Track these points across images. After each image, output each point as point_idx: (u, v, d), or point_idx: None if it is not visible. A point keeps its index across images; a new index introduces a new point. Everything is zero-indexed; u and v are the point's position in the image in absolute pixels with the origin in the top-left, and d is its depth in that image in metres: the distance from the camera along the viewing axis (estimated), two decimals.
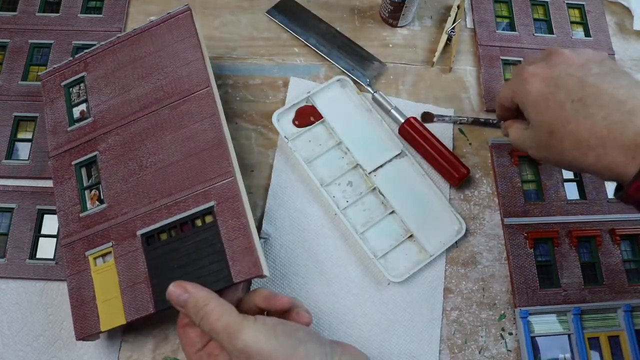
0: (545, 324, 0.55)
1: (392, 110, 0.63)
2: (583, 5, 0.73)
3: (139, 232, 0.50)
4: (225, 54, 0.67)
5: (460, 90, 0.67)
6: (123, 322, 0.48)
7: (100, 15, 0.68)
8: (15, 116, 0.62)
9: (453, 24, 0.69)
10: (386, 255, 0.57)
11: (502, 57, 0.69)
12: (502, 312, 0.57)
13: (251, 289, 0.54)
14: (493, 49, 0.69)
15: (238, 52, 0.68)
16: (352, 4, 0.72)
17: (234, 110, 0.64)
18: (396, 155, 0.61)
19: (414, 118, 0.62)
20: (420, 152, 0.62)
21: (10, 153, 0.61)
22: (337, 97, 0.64)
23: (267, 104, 0.65)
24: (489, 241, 0.59)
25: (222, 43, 0.68)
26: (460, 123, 0.65)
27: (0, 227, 0.57)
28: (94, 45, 0.60)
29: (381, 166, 0.61)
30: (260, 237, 0.56)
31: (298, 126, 0.63)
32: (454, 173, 0.59)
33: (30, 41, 0.66)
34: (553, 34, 0.71)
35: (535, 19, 0.72)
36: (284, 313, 0.45)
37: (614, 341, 0.55)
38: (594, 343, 0.55)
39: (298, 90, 0.65)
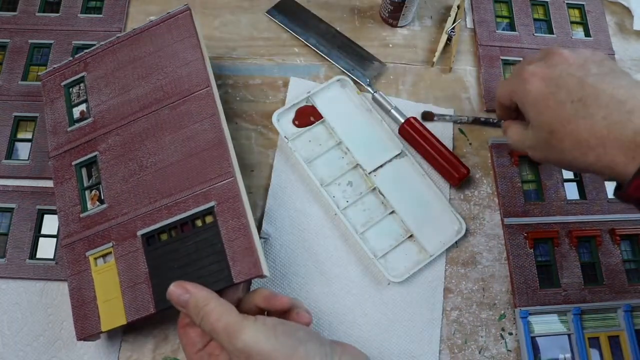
0: (545, 324, 0.55)
1: (392, 110, 0.63)
2: (583, 5, 0.73)
3: (139, 233, 0.50)
4: (225, 54, 0.67)
5: (460, 90, 0.67)
6: (124, 322, 0.48)
7: (100, 15, 0.68)
8: (15, 116, 0.62)
9: (453, 24, 0.69)
10: (386, 255, 0.57)
11: (502, 57, 0.69)
12: (502, 312, 0.57)
13: (251, 289, 0.54)
14: (493, 49, 0.69)
15: (238, 52, 0.68)
16: (352, 4, 0.72)
17: (234, 110, 0.64)
18: (396, 155, 0.61)
19: (414, 118, 0.62)
20: (420, 152, 0.62)
21: (10, 153, 0.61)
22: (337, 97, 0.64)
23: (267, 104, 0.65)
24: (489, 241, 0.59)
25: (222, 43, 0.68)
26: (461, 122, 0.65)
27: (0, 227, 0.57)
28: (94, 45, 0.60)
29: (381, 166, 0.61)
30: (260, 237, 0.56)
31: (298, 126, 0.63)
32: (454, 173, 0.59)
33: (30, 41, 0.66)
34: (553, 34, 0.71)
35: (535, 19, 0.72)
36: (284, 313, 0.45)
37: (614, 341, 0.55)
38: (594, 343, 0.55)
39: (298, 90, 0.65)
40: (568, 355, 0.54)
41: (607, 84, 0.42)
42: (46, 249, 0.57)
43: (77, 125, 0.56)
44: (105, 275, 0.50)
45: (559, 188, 0.61)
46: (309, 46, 0.68)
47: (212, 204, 0.49)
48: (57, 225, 0.57)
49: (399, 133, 0.62)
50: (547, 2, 0.73)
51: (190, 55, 0.55)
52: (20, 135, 0.62)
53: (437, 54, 0.68)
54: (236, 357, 0.40)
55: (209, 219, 0.49)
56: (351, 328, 0.55)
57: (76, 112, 0.57)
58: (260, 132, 0.63)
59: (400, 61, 0.69)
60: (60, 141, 0.56)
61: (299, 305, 0.45)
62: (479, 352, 0.55)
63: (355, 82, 0.65)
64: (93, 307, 0.50)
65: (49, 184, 0.57)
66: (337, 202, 0.59)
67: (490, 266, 0.58)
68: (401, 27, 0.71)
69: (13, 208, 0.58)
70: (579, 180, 0.62)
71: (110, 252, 0.51)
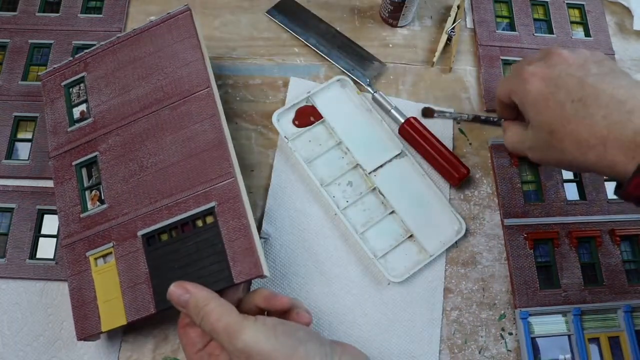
0: (546, 324, 0.55)
1: (392, 110, 0.63)
2: (583, 5, 0.73)
3: (139, 233, 0.50)
4: (225, 54, 0.67)
5: (460, 90, 0.67)
6: (124, 322, 0.48)
7: (100, 15, 0.68)
8: (15, 116, 0.62)
9: (453, 24, 0.69)
10: (386, 255, 0.57)
11: (502, 57, 0.69)
12: (502, 312, 0.57)
13: (251, 289, 0.54)
14: (493, 49, 0.69)
15: (238, 52, 0.68)
16: (352, 4, 0.72)
17: (234, 110, 0.64)
18: (396, 155, 0.61)
19: (414, 118, 0.62)
20: (420, 152, 0.62)
21: (10, 153, 0.61)
22: (337, 97, 0.64)
23: (267, 104, 0.65)
24: (489, 241, 0.59)
25: (222, 43, 0.68)
26: (461, 120, 0.64)
27: (0, 227, 0.57)
28: (94, 45, 0.60)
29: (381, 166, 0.61)
30: (260, 237, 0.56)
31: (298, 126, 0.63)
32: (454, 173, 0.59)
33: (30, 41, 0.66)
34: (553, 34, 0.71)
35: (535, 19, 0.72)
36: (284, 313, 0.45)
37: (614, 342, 0.55)
38: (594, 343, 0.55)
39: (298, 90, 0.65)
40: (568, 355, 0.54)
41: (607, 84, 0.43)
42: (46, 249, 0.57)
43: (77, 125, 0.56)
44: (106, 276, 0.50)
45: (559, 189, 0.61)
46: (309, 46, 0.68)
47: (212, 204, 0.49)
48: (57, 225, 0.57)
49: (399, 133, 0.62)
50: (547, 2, 0.73)
51: (190, 55, 0.55)
52: (20, 135, 0.62)
53: (437, 54, 0.68)
54: (236, 357, 0.40)
55: (209, 219, 0.49)
56: (351, 328, 0.55)
57: (76, 112, 0.57)
58: (260, 132, 0.63)
59: (400, 61, 0.69)
60: (60, 141, 0.56)
61: (299, 305, 0.45)
62: (479, 352, 0.55)
63: (355, 82, 0.65)
64: (93, 307, 0.50)
65: (49, 184, 0.58)
66: (337, 202, 0.59)
67: (490, 266, 0.58)
68: (401, 27, 0.71)
69: (13, 208, 0.58)
70: (578, 181, 0.62)
71: (111, 252, 0.51)
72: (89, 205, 0.53)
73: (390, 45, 0.69)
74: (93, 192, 0.54)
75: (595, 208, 0.60)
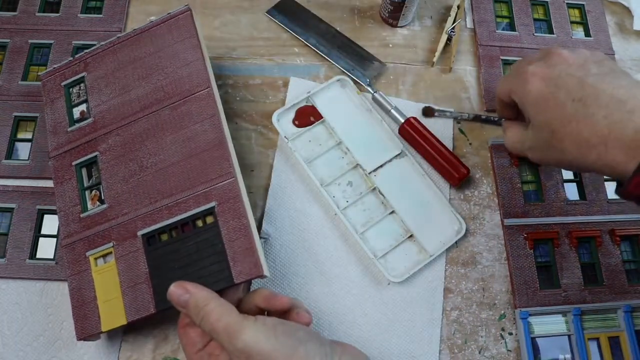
0: (546, 324, 0.55)
1: (392, 110, 0.63)
2: (583, 5, 0.73)
3: (139, 233, 0.50)
4: (225, 54, 0.67)
5: (460, 90, 0.67)
6: (124, 322, 0.48)
7: (100, 15, 0.68)
8: (15, 116, 0.62)
9: (453, 24, 0.69)
10: (386, 255, 0.57)
11: (502, 57, 0.69)
12: (502, 312, 0.57)
13: (251, 289, 0.54)
14: (493, 49, 0.69)
15: (238, 52, 0.68)
16: (352, 4, 0.72)
17: (234, 110, 0.64)
18: (396, 155, 0.61)
19: (414, 118, 0.62)
20: (420, 152, 0.62)
21: (10, 153, 0.61)
22: (337, 97, 0.64)
23: (267, 104, 0.65)
24: (489, 241, 0.59)
25: (222, 43, 0.68)
26: (462, 119, 0.64)
27: (0, 227, 0.57)
28: (94, 45, 0.60)
29: (381, 166, 0.61)
30: (260, 237, 0.56)
31: (298, 126, 0.63)
32: (454, 173, 0.59)
33: (30, 41, 0.66)
34: (553, 34, 0.71)
35: (535, 19, 0.72)
36: (284, 313, 0.45)
37: (614, 342, 0.55)
38: (594, 344, 0.55)
39: (298, 90, 0.65)
40: (568, 355, 0.54)
41: (607, 83, 0.43)
42: (46, 249, 0.57)
43: (77, 125, 0.56)
44: (106, 276, 0.50)
45: (559, 189, 0.61)
46: (309, 46, 0.68)
47: (212, 204, 0.49)
48: (57, 225, 0.57)
49: (399, 133, 0.62)
50: (547, 2, 0.73)
51: (190, 55, 0.55)
52: (20, 135, 0.62)
53: (437, 54, 0.68)
54: (236, 357, 0.40)
55: (209, 219, 0.49)
56: (351, 328, 0.55)
57: (76, 112, 0.57)
58: (260, 132, 0.63)
59: (400, 61, 0.69)
60: (60, 141, 0.56)
61: (299, 305, 0.45)
62: (479, 352, 0.55)
63: (355, 82, 0.65)
64: (93, 307, 0.50)
65: (49, 184, 0.58)
66: (337, 202, 0.59)
67: (490, 266, 0.58)
68: (401, 27, 0.71)
69: (13, 208, 0.58)
70: (578, 181, 0.62)
71: (111, 252, 0.51)
72: (89, 205, 0.53)
73: (390, 45, 0.70)
74: (93, 192, 0.54)
75: (595, 208, 0.60)
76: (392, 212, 0.59)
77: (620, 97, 0.41)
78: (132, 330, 0.54)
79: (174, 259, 0.48)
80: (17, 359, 0.52)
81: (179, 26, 0.57)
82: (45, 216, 0.58)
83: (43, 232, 0.57)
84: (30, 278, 0.55)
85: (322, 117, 0.63)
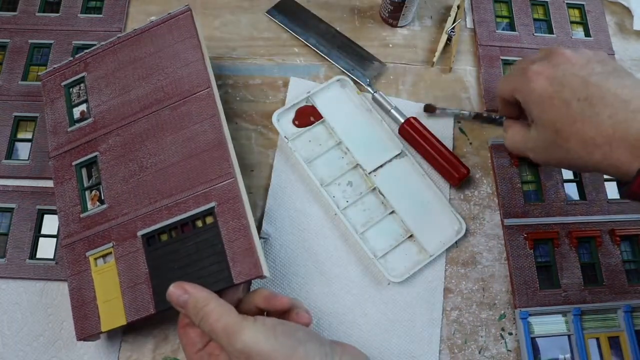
0: (545, 324, 0.55)
1: (392, 110, 0.63)
2: (583, 5, 0.73)
3: (139, 233, 0.50)
4: (225, 54, 0.67)
5: (460, 90, 0.67)
6: (124, 322, 0.48)
7: (100, 15, 0.68)
8: (15, 116, 0.62)
9: (453, 24, 0.69)
10: (386, 255, 0.57)
11: (502, 57, 0.69)
12: (502, 312, 0.57)
13: (251, 289, 0.54)
14: (493, 49, 0.69)
15: (238, 52, 0.68)
16: (352, 4, 0.72)
17: (234, 110, 0.64)
18: (396, 155, 0.61)
19: (414, 118, 0.62)
20: (420, 152, 0.62)
21: (10, 153, 0.61)
22: (337, 97, 0.64)
23: (267, 104, 0.65)
24: (489, 241, 0.59)
25: (222, 43, 0.68)
26: (463, 117, 0.64)
27: (0, 227, 0.57)
28: (94, 45, 0.60)
29: (381, 166, 0.61)
30: (260, 237, 0.56)
31: (298, 126, 0.63)
32: (454, 173, 0.59)
33: (30, 41, 0.66)
34: (553, 34, 0.71)
35: (535, 19, 0.72)
36: (284, 313, 0.45)
37: (614, 342, 0.55)
38: (594, 344, 0.55)
39: (298, 90, 0.65)
40: (568, 355, 0.54)
41: (611, 83, 0.43)
42: (46, 249, 0.57)
43: (77, 125, 0.56)
44: (105, 276, 0.50)
45: (559, 189, 0.61)
46: (309, 46, 0.68)
47: (212, 204, 0.49)
48: (57, 225, 0.57)
49: (399, 133, 0.62)
50: (547, 2, 0.73)
51: (190, 55, 0.55)
52: (20, 135, 0.62)
53: (437, 54, 0.68)
54: (236, 357, 0.40)
55: (209, 220, 0.49)
56: (351, 328, 0.55)
57: (76, 112, 0.57)
58: (260, 132, 0.63)
59: (400, 61, 0.69)
60: (60, 141, 0.56)
61: (298, 305, 0.45)
62: (479, 352, 0.55)
63: (355, 82, 0.65)
64: (93, 308, 0.50)
65: (49, 184, 0.58)
66: (337, 202, 0.59)
67: (490, 266, 0.58)
68: (401, 27, 0.71)
69: (13, 208, 0.58)
70: (578, 181, 0.62)
71: (111, 253, 0.51)
72: (89, 205, 0.53)
73: (390, 45, 0.69)
74: (93, 192, 0.54)
75: (595, 208, 0.60)
76: (392, 212, 0.59)
77: (624, 96, 0.42)
78: (132, 330, 0.54)
79: (173, 260, 0.48)
80: (17, 359, 0.52)
81: (179, 26, 0.57)
82: (45, 216, 0.58)
83: (43, 232, 0.57)
84: (30, 278, 0.55)
85: (322, 117, 0.63)
